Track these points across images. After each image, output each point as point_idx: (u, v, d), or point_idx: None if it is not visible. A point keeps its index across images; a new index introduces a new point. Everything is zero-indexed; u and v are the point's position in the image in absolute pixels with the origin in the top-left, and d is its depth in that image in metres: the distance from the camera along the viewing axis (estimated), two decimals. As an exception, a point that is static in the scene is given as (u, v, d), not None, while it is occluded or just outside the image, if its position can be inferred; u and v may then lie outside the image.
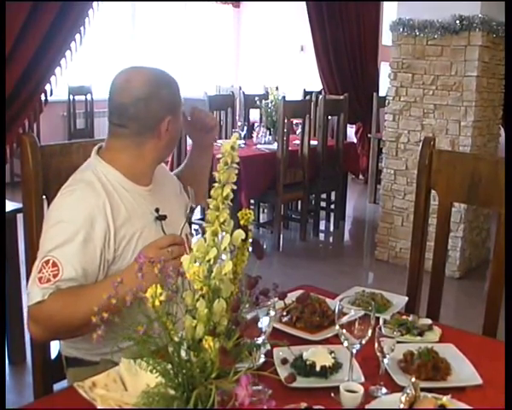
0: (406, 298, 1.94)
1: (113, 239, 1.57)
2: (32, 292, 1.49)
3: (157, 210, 1.66)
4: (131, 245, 1.60)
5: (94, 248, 1.54)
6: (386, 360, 1.39)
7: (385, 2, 7.97)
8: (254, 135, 5.68)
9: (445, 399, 1.25)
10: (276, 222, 5.33)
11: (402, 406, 1.23)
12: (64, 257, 1.50)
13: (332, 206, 6.20)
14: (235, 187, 1.00)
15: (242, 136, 5.59)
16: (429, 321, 1.71)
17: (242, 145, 5.28)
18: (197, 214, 5.00)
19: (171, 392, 0.98)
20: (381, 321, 1.50)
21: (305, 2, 7.06)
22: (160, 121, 1.63)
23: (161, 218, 1.66)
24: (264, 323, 1.23)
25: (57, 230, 1.53)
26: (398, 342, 1.43)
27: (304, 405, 1.23)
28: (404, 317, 1.73)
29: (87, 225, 1.53)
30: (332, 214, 6.17)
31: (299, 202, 5.78)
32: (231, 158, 0.98)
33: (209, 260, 0.96)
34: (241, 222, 1.06)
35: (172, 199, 1.82)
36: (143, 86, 1.61)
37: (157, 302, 0.94)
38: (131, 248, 1.60)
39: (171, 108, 1.66)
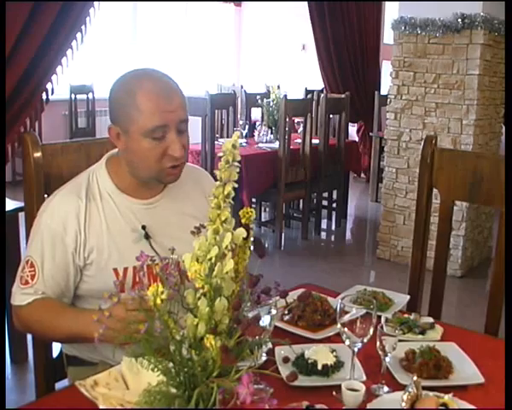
0: (408, 297, 1.93)
1: (83, 246, 1.56)
2: (15, 293, 1.58)
3: (143, 227, 1.59)
4: (103, 257, 1.57)
5: (66, 252, 1.56)
6: (387, 359, 1.39)
7: (386, 1, 7.96)
8: (256, 134, 5.68)
9: (447, 397, 1.25)
10: (278, 221, 5.33)
11: (404, 404, 1.23)
12: (40, 258, 1.55)
13: (334, 204, 6.20)
14: (236, 185, 0.99)
15: (244, 134, 5.59)
16: (431, 320, 1.71)
17: (244, 144, 5.27)
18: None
19: (173, 391, 0.98)
20: (382, 320, 1.50)
21: (306, 2, 7.05)
22: (110, 125, 1.58)
23: (146, 236, 1.58)
24: (265, 321, 1.22)
25: (37, 230, 1.58)
26: (400, 340, 1.43)
27: (305, 403, 1.23)
28: (406, 315, 1.73)
29: (60, 228, 1.55)
30: (334, 213, 6.17)
31: (301, 200, 5.77)
32: (232, 156, 0.98)
33: (210, 259, 0.96)
34: (243, 221, 1.05)
35: (185, 219, 1.63)
36: (111, 88, 1.57)
37: (158, 301, 0.94)
38: (103, 260, 1.57)
39: (115, 117, 1.54)
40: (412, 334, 1.64)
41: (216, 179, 0.99)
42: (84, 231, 1.56)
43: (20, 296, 1.56)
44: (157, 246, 1.57)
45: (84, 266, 1.58)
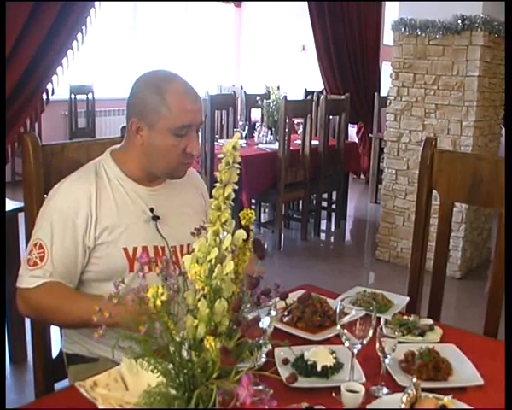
0: (407, 298, 1.93)
1: (93, 226, 1.61)
2: (22, 276, 1.60)
3: (151, 210, 1.67)
4: (113, 237, 1.62)
5: (76, 234, 1.60)
6: (387, 360, 1.39)
7: (386, 2, 7.97)
8: (255, 134, 5.68)
9: (447, 399, 1.25)
10: (278, 222, 5.33)
11: (403, 406, 1.23)
12: (50, 241, 1.58)
13: (333, 205, 6.20)
14: (236, 187, 1.00)
15: (244, 135, 5.59)
16: (430, 321, 1.71)
17: (244, 145, 5.27)
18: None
19: (173, 392, 0.98)
20: (382, 321, 1.50)
21: (306, 2, 7.06)
22: (127, 120, 1.65)
23: (154, 218, 1.67)
24: (265, 323, 1.23)
25: (46, 215, 1.62)
26: (400, 342, 1.43)
27: (305, 405, 1.24)
28: (406, 317, 1.73)
29: (72, 211, 1.60)
30: (333, 214, 6.17)
31: (301, 201, 5.77)
32: (233, 158, 0.98)
33: (210, 260, 0.96)
34: (243, 222, 1.06)
35: (183, 208, 1.77)
36: (134, 84, 1.65)
37: (158, 302, 0.94)
38: (113, 240, 1.62)
39: (140, 111, 1.61)
40: (412, 336, 1.65)
41: (216, 181, 0.99)
42: (95, 213, 1.61)
43: (29, 279, 1.57)
44: (162, 229, 1.66)
45: (93, 247, 1.62)
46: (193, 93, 1.63)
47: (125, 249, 1.62)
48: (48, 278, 1.57)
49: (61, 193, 1.63)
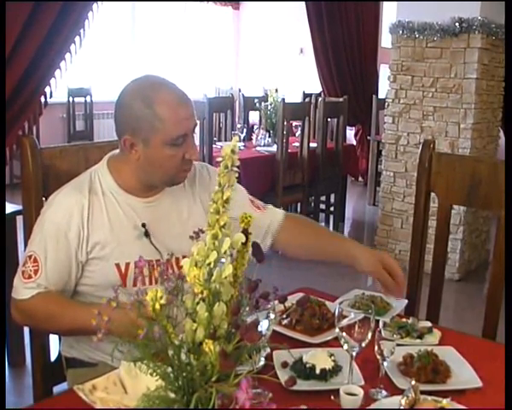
0: (406, 301, 1.93)
1: (85, 241, 1.59)
2: (17, 287, 1.59)
3: (143, 225, 1.63)
4: (105, 252, 1.60)
5: (69, 247, 1.58)
6: (385, 363, 1.39)
7: (384, 5, 7.98)
8: (254, 137, 5.68)
9: (445, 401, 1.25)
10: (276, 224, 5.32)
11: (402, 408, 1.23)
12: (44, 254, 1.57)
13: (331, 208, 6.20)
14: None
15: (242, 138, 5.59)
16: (429, 324, 1.71)
17: (242, 147, 5.28)
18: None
19: (172, 395, 0.98)
20: (380, 324, 1.50)
21: (304, 5, 7.06)
22: (119, 136, 1.60)
23: (146, 234, 1.62)
24: (264, 326, 1.22)
25: (40, 228, 1.60)
26: (398, 344, 1.43)
27: (304, 408, 1.23)
28: (404, 319, 1.73)
29: (64, 225, 1.58)
30: (331, 216, 6.17)
31: (299, 204, 5.77)
32: (231, 161, 0.98)
33: (209, 264, 0.96)
34: (242, 225, 1.06)
35: (181, 217, 1.71)
36: (119, 95, 1.60)
37: (157, 306, 0.94)
38: (105, 256, 1.60)
39: (131, 127, 1.56)
40: (410, 338, 1.64)
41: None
42: (87, 227, 1.59)
43: (23, 290, 1.57)
44: (157, 243, 1.62)
45: (86, 261, 1.60)
46: (183, 98, 1.58)
47: (118, 265, 1.59)
48: (42, 289, 1.57)
49: (55, 205, 1.61)
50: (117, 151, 1.69)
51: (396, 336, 1.43)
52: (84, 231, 1.58)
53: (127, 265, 1.59)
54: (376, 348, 1.38)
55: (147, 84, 1.58)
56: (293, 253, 1.91)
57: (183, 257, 1.61)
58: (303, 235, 1.88)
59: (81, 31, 3.08)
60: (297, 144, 5.41)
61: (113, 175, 1.65)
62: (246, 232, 1.02)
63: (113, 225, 1.61)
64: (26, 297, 1.56)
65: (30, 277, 1.56)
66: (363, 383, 1.37)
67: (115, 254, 1.60)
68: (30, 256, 1.58)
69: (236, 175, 0.99)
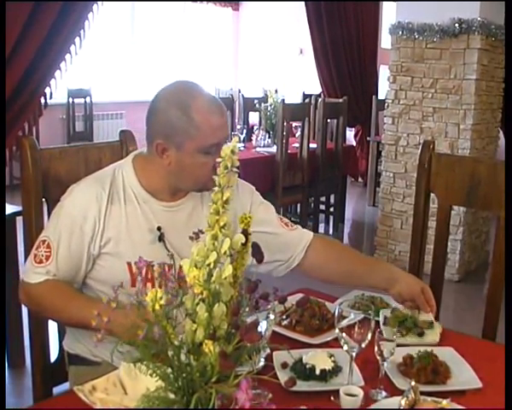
0: (406, 301, 1.93)
1: (100, 234, 1.59)
2: (27, 270, 1.60)
3: (159, 228, 1.63)
4: (118, 249, 1.60)
5: (82, 240, 1.59)
6: (385, 364, 1.39)
7: (384, 6, 7.99)
8: (253, 138, 5.67)
9: (445, 402, 1.25)
10: (276, 225, 5.32)
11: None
12: (57, 242, 1.58)
13: (331, 209, 6.20)
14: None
15: (241, 139, 5.59)
16: (431, 317, 1.70)
17: (242, 148, 5.28)
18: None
19: (171, 396, 0.98)
20: (381, 318, 1.49)
21: (304, 6, 7.07)
22: (151, 140, 1.60)
23: (160, 238, 1.62)
24: (263, 327, 1.22)
25: (57, 215, 1.61)
26: (399, 345, 1.43)
27: (304, 408, 1.23)
28: (405, 310, 1.71)
29: (80, 217, 1.58)
30: (331, 217, 6.17)
31: (299, 204, 5.77)
32: (231, 162, 0.98)
33: (209, 264, 0.96)
34: (241, 226, 1.06)
35: (200, 225, 1.69)
36: (154, 100, 1.60)
37: (157, 306, 0.94)
38: (118, 253, 1.60)
39: (165, 132, 1.56)
40: (411, 335, 1.64)
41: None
42: (103, 221, 1.59)
43: (33, 275, 1.58)
44: (172, 248, 1.62)
45: (98, 255, 1.61)
46: (219, 106, 1.58)
47: (129, 264, 1.59)
48: (51, 277, 1.57)
49: (74, 195, 1.61)
50: (144, 150, 1.68)
51: (396, 337, 1.43)
52: (100, 224, 1.59)
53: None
54: (376, 348, 1.38)
55: (182, 90, 1.59)
56: (320, 275, 1.85)
57: None
58: (334, 257, 1.84)
59: (81, 32, 3.08)
60: (297, 145, 5.41)
61: (137, 174, 1.65)
62: (245, 233, 1.02)
63: (129, 224, 1.61)
64: (34, 282, 1.57)
65: (41, 261, 1.57)
66: (362, 383, 1.37)
67: (128, 252, 1.59)
68: (44, 241, 1.58)
69: (236, 176, 0.99)
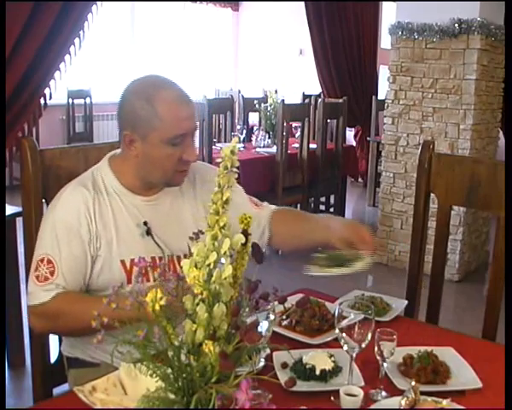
0: (406, 301, 1.93)
1: (95, 236, 1.60)
2: (34, 293, 1.56)
3: (145, 223, 1.65)
4: (110, 249, 1.61)
5: (82, 243, 1.58)
6: (385, 364, 1.39)
7: (384, 6, 7.99)
8: (253, 138, 5.68)
9: (445, 402, 1.25)
10: (276, 225, 5.32)
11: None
12: (58, 254, 1.56)
13: (331, 209, 6.19)
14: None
15: (241, 139, 5.60)
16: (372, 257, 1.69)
17: (241, 148, 5.28)
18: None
19: (171, 396, 0.98)
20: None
21: (304, 6, 7.07)
22: (120, 132, 1.62)
23: (148, 232, 1.64)
24: (263, 327, 1.22)
25: (49, 228, 1.59)
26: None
27: (304, 408, 1.23)
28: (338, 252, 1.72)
29: (75, 221, 1.58)
30: (331, 217, 6.16)
31: (299, 204, 5.77)
32: (231, 162, 0.98)
33: (209, 265, 0.96)
34: (241, 226, 1.06)
35: (181, 216, 1.73)
36: (123, 92, 1.62)
37: (157, 307, 0.94)
38: (111, 252, 1.61)
39: (131, 123, 1.57)
40: (339, 267, 1.65)
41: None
42: (95, 222, 1.60)
43: (41, 294, 1.54)
44: (158, 239, 1.64)
45: (95, 257, 1.61)
46: (185, 99, 1.59)
47: (123, 262, 1.60)
48: (61, 289, 1.55)
49: (61, 205, 1.60)
50: (118, 151, 1.71)
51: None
52: (93, 225, 1.59)
53: (132, 261, 1.60)
54: (376, 348, 1.38)
55: (149, 83, 1.61)
56: (286, 244, 1.95)
57: (184, 256, 1.64)
58: (291, 222, 1.91)
59: (81, 32, 3.08)
60: (297, 145, 5.42)
61: (115, 174, 1.67)
62: (245, 233, 1.02)
63: (117, 222, 1.63)
64: (47, 299, 1.53)
65: (46, 279, 1.54)
66: (363, 383, 1.37)
67: (120, 250, 1.61)
68: (42, 260, 1.56)
69: (236, 176, 0.99)
